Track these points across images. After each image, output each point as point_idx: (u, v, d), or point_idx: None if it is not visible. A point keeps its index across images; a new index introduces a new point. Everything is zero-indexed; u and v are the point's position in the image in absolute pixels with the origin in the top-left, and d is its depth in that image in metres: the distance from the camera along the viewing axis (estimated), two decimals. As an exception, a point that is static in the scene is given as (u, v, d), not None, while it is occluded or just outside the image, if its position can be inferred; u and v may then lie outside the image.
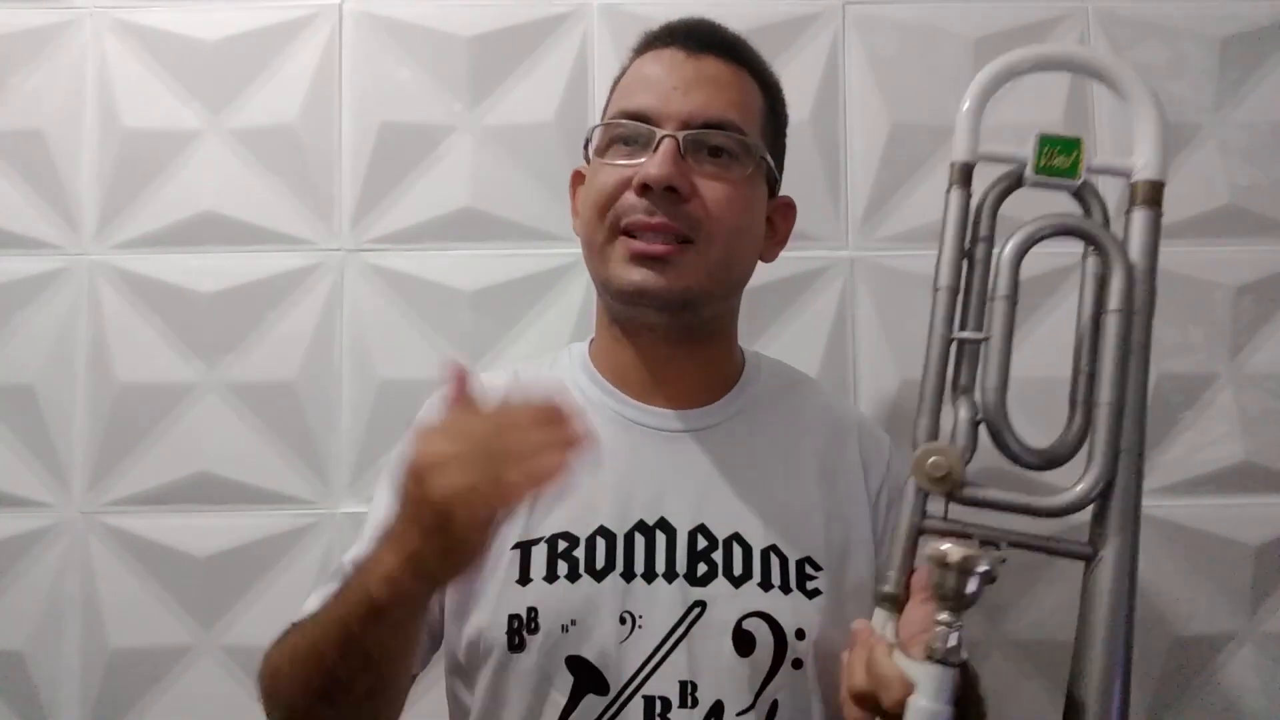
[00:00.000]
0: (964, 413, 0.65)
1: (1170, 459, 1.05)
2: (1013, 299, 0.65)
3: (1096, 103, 1.09)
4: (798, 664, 0.74)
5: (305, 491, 1.06)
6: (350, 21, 1.11)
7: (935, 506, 0.66)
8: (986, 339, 0.65)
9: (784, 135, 0.86)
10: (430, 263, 1.08)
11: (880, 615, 0.65)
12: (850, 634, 0.66)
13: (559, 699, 0.72)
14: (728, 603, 0.74)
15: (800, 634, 0.74)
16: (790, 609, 0.75)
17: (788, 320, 1.08)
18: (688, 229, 0.75)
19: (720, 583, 0.74)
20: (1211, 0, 1.10)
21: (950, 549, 0.57)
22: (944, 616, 0.58)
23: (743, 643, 0.73)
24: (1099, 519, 0.63)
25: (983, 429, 0.66)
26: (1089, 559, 0.63)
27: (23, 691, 1.03)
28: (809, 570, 0.76)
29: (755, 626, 0.74)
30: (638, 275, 0.74)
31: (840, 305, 1.08)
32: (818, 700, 0.75)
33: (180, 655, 1.04)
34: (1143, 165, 0.65)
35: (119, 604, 1.04)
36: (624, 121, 0.77)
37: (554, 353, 0.89)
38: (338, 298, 1.08)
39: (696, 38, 0.79)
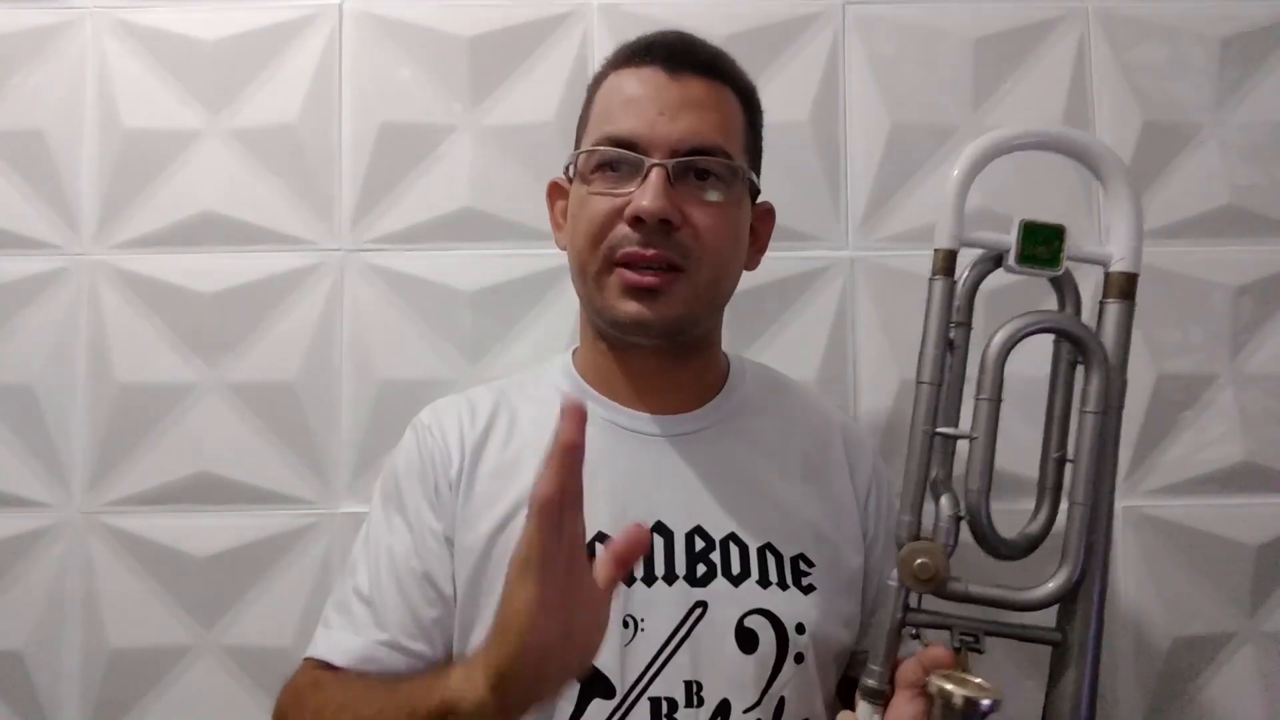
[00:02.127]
0: (946, 509, 0.66)
1: (1170, 459, 1.06)
2: (997, 399, 0.65)
3: (1096, 105, 1.09)
4: (799, 658, 0.75)
5: (305, 491, 1.06)
6: (350, 21, 1.11)
7: (914, 599, 0.67)
8: (973, 438, 0.65)
9: (761, 138, 0.87)
10: (430, 263, 1.08)
11: (865, 709, 0.66)
12: None
13: (566, 706, 0.72)
14: (728, 601, 0.75)
15: (800, 628, 0.75)
16: (788, 604, 0.76)
17: (788, 320, 1.08)
18: (679, 257, 0.76)
19: (720, 582, 0.76)
20: (1211, 0, 1.10)
21: (954, 691, 0.59)
22: None
23: (746, 640, 0.74)
24: (1067, 608, 0.66)
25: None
26: (1058, 644, 0.66)
27: (23, 691, 1.03)
28: (803, 566, 0.78)
29: (757, 624, 0.75)
30: (632, 308, 0.76)
31: (840, 305, 1.08)
32: (819, 693, 0.77)
33: (180, 655, 1.04)
34: (1119, 257, 0.67)
35: (119, 604, 1.04)
36: (611, 149, 0.78)
37: (539, 366, 0.90)
38: (338, 298, 1.08)
39: (678, 56, 0.79)
